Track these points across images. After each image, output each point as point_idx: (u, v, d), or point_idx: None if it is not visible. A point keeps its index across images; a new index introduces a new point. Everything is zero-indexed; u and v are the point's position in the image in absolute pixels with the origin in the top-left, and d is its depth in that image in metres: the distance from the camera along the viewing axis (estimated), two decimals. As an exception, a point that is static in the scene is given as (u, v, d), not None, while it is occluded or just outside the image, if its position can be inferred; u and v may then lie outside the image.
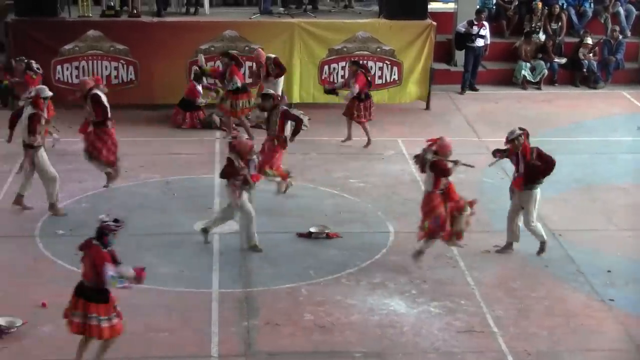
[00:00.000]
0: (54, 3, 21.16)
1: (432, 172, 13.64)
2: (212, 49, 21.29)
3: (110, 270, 10.58)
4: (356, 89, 18.91)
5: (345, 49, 21.66)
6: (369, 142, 19.35)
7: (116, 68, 21.26)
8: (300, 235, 14.99)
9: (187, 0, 22.42)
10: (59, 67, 21.10)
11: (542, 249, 14.50)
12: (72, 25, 21.34)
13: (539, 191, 14.18)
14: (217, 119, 20.28)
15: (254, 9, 22.69)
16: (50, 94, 15.56)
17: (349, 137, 19.40)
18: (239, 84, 19.30)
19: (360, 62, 20.15)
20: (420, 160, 13.88)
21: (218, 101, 19.81)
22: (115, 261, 10.79)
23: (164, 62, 21.11)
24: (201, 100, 20.42)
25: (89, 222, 14.87)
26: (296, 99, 21.67)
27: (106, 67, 21.32)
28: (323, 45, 21.63)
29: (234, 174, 14.21)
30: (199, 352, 11.64)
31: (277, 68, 19.87)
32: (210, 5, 22.56)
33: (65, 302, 12.50)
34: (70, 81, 21.11)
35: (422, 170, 13.98)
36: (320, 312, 12.61)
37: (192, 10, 22.29)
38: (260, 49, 20.44)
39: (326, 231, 15.02)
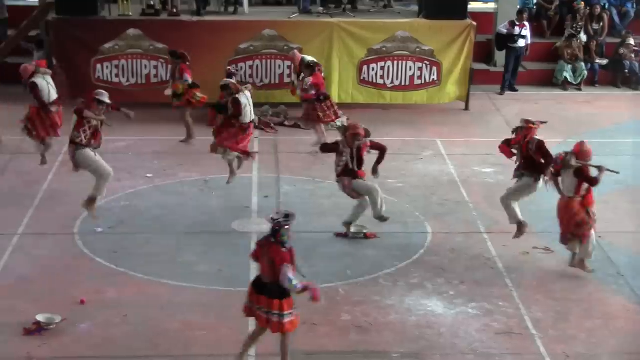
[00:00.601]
0: (94, 2, 21.30)
1: (577, 178, 13.44)
2: (251, 48, 21.35)
3: (289, 272, 10.57)
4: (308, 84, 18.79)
5: (384, 49, 21.62)
6: (319, 142, 19.00)
7: (155, 67, 21.35)
8: (338, 235, 14.97)
9: (227, -1, 22.53)
10: (98, 66, 21.21)
11: (519, 232, 14.50)
12: (112, 24, 21.46)
13: (539, 185, 14.19)
14: (255, 118, 20.23)
15: (294, 8, 22.73)
16: (107, 101, 15.26)
17: (318, 141, 19.10)
18: (190, 81, 19.27)
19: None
20: (562, 164, 13.64)
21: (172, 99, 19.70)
22: (293, 261, 10.76)
23: (203, 61, 21.12)
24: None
25: (128, 220, 15.06)
26: (335, 99, 21.58)
27: (145, 65, 21.42)
28: (362, 45, 21.60)
29: (334, 150, 14.51)
30: (236, 350, 11.55)
31: (306, 70, 19.98)
32: (250, 4, 22.62)
33: (104, 299, 12.70)
34: (110, 80, 21.24)
35: (557, 175, 13.77)
36: (358, 312, 12.58)
37: (231, 9, 22.36)
38: (296, 51, 20.49)
39: (364, 231, 14.99)
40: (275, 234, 10.71)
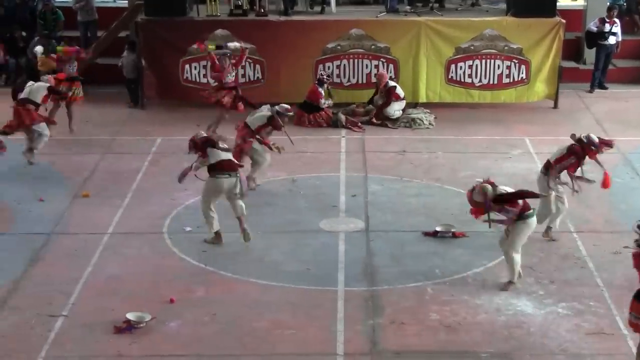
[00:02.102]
0: (183, 3, 21.49)
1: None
2: (339, 47, 21.36)
3: None
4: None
5: (472, 47, 21.46)
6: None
7: (243, 67, 21.44)
8: (427, 234, 14.89)
9: (314, -2, 22.58)
10: (187, 67, 21.39)
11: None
12: (200, 25, 21.61)
13: None
14: (343, 117, 20.34)
15: (381, 7, 22.66)
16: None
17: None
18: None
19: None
20: None
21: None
22: None
23: (290, 60, 21.24)
24: (324, 102, 20.48)
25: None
26: (422, 98, 21.56)
27: (233, 66, 21.53)
28: (450, 44, 21.46)
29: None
30: (324, 350, 11.62)
31: (386, 97, 20.21)
32: (337, 3, 22.61)
33: (192, 297, 12.81)
34: (197, 80, 21.41)
35: None
36: (446, 312, 12.49)
37: (318, 8, 22.38)
38: (383, 72, 20.83)
39: (452, 230, 14.89)
40: None
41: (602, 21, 22.50)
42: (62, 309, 12.46)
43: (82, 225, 15.26)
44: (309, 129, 20.15)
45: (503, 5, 22.83)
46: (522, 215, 12.96)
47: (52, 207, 15.95)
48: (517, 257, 13.13)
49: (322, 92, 20.51)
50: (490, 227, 13.11)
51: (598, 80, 23.01)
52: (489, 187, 12.84)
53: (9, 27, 23.81)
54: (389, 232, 15.01)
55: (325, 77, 20.71)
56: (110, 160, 18.31)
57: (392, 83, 20.68)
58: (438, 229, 14.91)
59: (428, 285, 13.25)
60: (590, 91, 22.89)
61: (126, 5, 23.67)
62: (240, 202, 14.32)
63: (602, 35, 22.47)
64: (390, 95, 20.45)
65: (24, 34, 23.83)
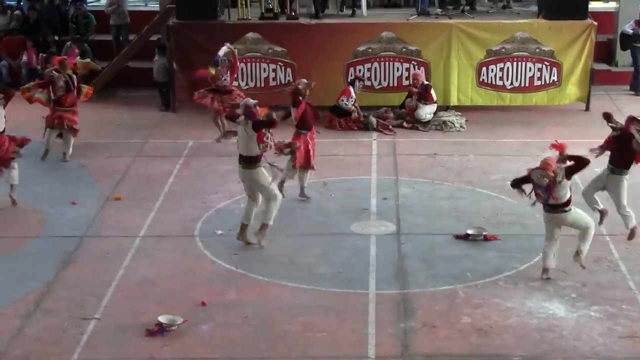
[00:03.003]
0: (214, 6, 21.56)
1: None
2: (370, 50, 21.35)
3: None
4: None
5: (503, 50, 21.39)
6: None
7: (274, 70, 21.50)
8: (458, 237, 14.85)
9: (345, 1, 22.53)
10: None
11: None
12: (231, 28, 21.66)
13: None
14: (374, 120, 20.32)
15: (411, 10, 22.65)
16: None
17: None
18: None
19: None
20: None
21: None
22: None
23: (321, 63, 21.24)
24: (345, 101, 20.43)
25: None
26: (454, 101, 21.52)
27: (264, 69, 21.58)
28: (481, 47, 21.41)
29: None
30: (356, 352, 11.61)
31: (426, 94, 20.40)
32: (368, 6, 22.60)
33: (224, 300, 12.82)
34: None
35: None
36: (478, 315, 12.45)
37: (349, 11, 22.39)
38: (418, 72, 20.84)
39: (484, 233, 14.84)
40: None
41: (638, 23, 22.41)
42: (94, 311, 12.52)
43: (114, 228, 15.33)
44: (340, 132, 20.16)
45: (534, 8, 22.76)
46: None
47: (85, 210, 16.03)
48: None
49: (353, 93, 20.46)
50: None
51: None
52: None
53: (42, 31, 23.95)
54: (420, 235, 14.99)
55: (360, 76, 20.75)
56: (142, 163, 18.39)
57: (427, 82, 20.70)
58: (469, 232, 14.86)
59: (459, 288, 13.21)
60: (638, 94, 22.76)
61: (158, 8, 23.76)
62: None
63: (638, 37, 22.36)
64: (427, 93, 20.39)
65: (56, 38, 23.98)
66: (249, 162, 14.29)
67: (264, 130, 14.25)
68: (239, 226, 14.65)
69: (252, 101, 14.44)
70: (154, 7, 24.92)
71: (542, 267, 13.47)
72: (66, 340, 11.82)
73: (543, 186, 13.04)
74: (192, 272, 13.79)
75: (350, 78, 20.84)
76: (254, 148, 14.22)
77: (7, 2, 25.58)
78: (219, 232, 15.08)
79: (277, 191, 14.67)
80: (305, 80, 16.63)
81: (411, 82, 20.86)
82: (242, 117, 14.35)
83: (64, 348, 11.64)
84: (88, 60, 20.50)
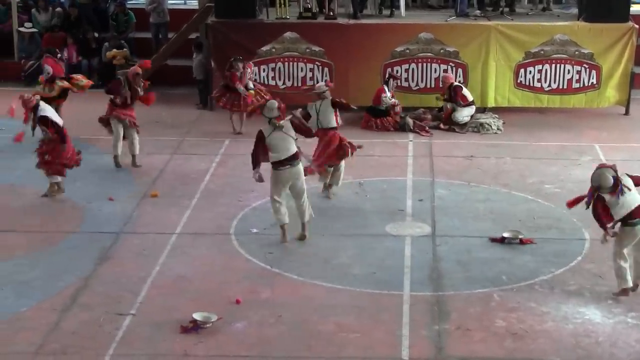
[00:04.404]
0: (253, 5, 21.61)
1: None
2: (407, 51, 21.33)
3: None
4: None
5: (542, 52, 21.30)
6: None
7: (311, 70, 21.51)
8: (493, 240, 14.79)
9: (383, 2, 22.51)
10: (255, 69, 21.42)
11: None
12: (269, 27, 21.72)
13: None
14: (410, 121, 20.30)
15: (450, 11, 22.59)
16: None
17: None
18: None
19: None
20: None
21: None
22: None
23: (358, 63, 21.24)
24: (385, 100, 20.41)
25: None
26: (491, 102, 21.45)
27: (302, 68, 21.61)
28: (519, 48, 21.33)
29: None
30: (389, 354, 11.60)
31: (455, 96, 20.28)
32: (407, 7, 22.55)
33: (258, 299, 12.84)
34: (266, 82, 21.48)
35: None
36: (513, 319, 12.39)
37: (387, 12, 22.37)
38: (448, 74, 20.83)
39: (520, 237, 14.77)
40: None
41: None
42: (130, 307, 12.59)
43: (150, 225, 15.41)
44: (376, 133, 20.15)
45: (575, 10, 22.62)
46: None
47: (122, 206, 16.12)
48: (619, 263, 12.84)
49: (388, 92, 20.44)
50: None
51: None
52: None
53: (82, 28, 24.11)
54: (455, 237, 14.95)
55: (395, 74, 20.76)
56: (179, 160, 18.47)
57: (456, 83, 20.64)
58: (505, 235, 14.80)
59: (494, 291, 13.16)
60: None
61: (197, 7, 23.84)
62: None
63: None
64: (456, 94, 20.35)
65: (96, 35, 24.13)
66: (294, 158, 14.40)
67: None
68: (273, 226, 14.71)
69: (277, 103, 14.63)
70: (193, 5, 25.01)
71: (619, 288, 12.98)
72: (102, 335, 11.89)
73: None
74: (227, 270, 13.83)
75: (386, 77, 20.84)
76: (293, 147, 14.33)
77: (50, -1, 25.79)
78: (254, 230, 15.11)
79: None
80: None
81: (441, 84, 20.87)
82: (279, 121, 14.39)
83: (99, 343, 11.71)
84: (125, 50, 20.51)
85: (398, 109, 20.48)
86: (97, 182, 17.18)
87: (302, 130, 14.68)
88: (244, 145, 18.94)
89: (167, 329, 12.04)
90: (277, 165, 14.41)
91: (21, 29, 24.05)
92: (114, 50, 23.36)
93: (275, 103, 14.58)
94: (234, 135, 19.92)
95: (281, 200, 14.59)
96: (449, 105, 20.51)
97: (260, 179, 14.57)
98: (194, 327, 11.99)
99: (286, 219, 14.64)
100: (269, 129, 14.38)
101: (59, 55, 19.90)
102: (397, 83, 20.77)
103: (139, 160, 18.06)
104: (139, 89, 17.98)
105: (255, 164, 14.51)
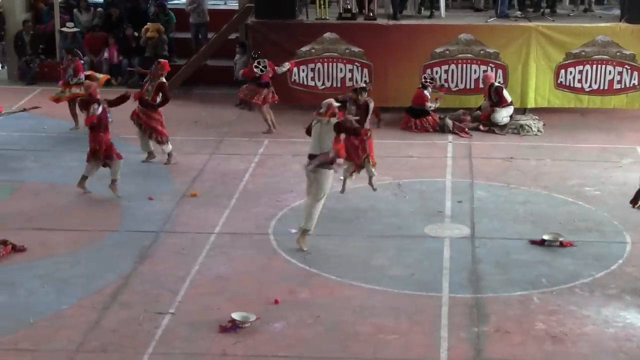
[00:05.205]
0: (293, 5, 21.60)
1: None
2: (447, 52, 21.25)
3: None
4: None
5: (583, 53, 21.16)
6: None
7: (351, 70, 21.49)
8: (533, 242, 14.71)
9: (423, 3, 22.46)
10: (295, 69, 21.45)
11: None
12: (309, 28, 21.71)
13: None
14: (450, 122, 20.23)
15: (491, 12, 22.49)
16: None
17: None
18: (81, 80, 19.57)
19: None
20: None
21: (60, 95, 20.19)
22: None
23: (398, 64, 21.20)
24: (430, 105, 20.40)
25: (321, 222, 15.13)
26: (531, 103, 21.34)
27: (341, 69, 21.59)
28: (560, 49, 21.19)
29: None
30: (427, 356, 11.56)
31: (496, 96, 20.12)
32: (447, 8, 22.48)
33: (296, 299, 12.84)
34: (305, 83, 21.52)
35: None
36: (553, 322, 12.32)
37: (427, 12, 22.30)
38: (488, 73, 20.75)
39: (560, 239, 14.67)
40: None
41: None
42: (169, 306, 12.65)
43: (189, 224, 15.47)
44: (415, 134, 20.11)
45: (617, 11, 22.44)
46: None
47: (161, 206, 16.20)
48: None
49: (428, 95, 20.42)
50: None
51: None
52: None
53: (123, 28, 24.24)
54: (494, 239, 14.89)
55: (428, 80, 20.63)
56: (218, 160, 18.51)
57: (497, 83, 20.55)
58: (545, 237, 14.71)
59: (534, 294, 13.08)
60: None
61: (237, 7, 23.89)
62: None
63: None
64: (499, 95, 20.27)
65: (136, 34, 24.24)
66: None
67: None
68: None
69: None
70: (233, 5, 25.05)
71: None
72: (141, 334, 11.94)
73: None
74: (266, 270, 13.85)
75: (421, 81, 20.71)
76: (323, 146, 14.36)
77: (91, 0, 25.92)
78: (293, 230, 15.10)
79: None
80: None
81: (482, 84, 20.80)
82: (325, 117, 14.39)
83: (139, 341, 11.77)
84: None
85: (433, 105, 20.46)
86: (137, 182, 17.25)
87: (350, 130, 14.59)
88: (282, 145, 19.04)
89: (206, 329, 12.08)
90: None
91: (63, 29, 24.18)
92: (148, 23, 23.58)
93: (330, 101, 14.57)
94: (271, 134, 19.97)
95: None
96: (487, 107, 20.39)
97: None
98: (233, 327, 12.02)
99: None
100: (315, 120, 14.46)
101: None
102: (435, 84, 20.70)
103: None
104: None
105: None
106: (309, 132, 14.57)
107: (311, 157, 14.38)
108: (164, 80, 18.02)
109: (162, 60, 18.71)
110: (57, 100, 20.17)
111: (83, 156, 16.70)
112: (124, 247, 14.57)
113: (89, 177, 16.65)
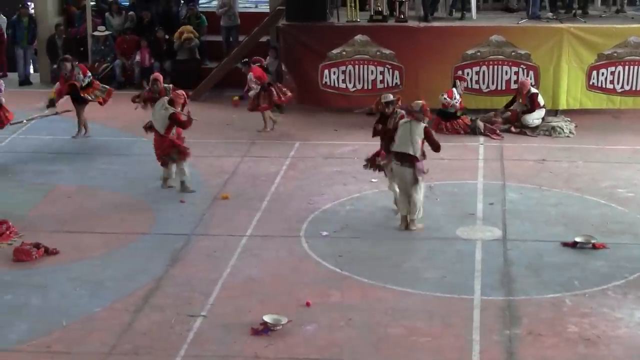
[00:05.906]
0: (323, 8, 21.61)
1: None
2: (478, 54, 21.20)
3: None
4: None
5: (615, 54, 21.05)
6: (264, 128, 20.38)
7: (382, 72, 21.47)
8: (565, 244, 14.64)
9: (454, 5, 22.42)
10: (326, 72, 21.47)
11: None
12: (340, 30, 21.71)
13: None
14: (481, 124, 20.17)
15: (522, 14, 22.41)
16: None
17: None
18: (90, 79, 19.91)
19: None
20: None
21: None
22: None
23: (429, 66, 21.16)
24: (449, 100, 20.28)
25: (353, 225, 15.21)
26: (563, 105, 21.24)
27: (372, 71, 21.57)
28: (592, 51, 21.09)
29: None
30: (460, 358, 11.54)
31: (530, 103, 20.12)
32: (478, 9, 22.43)
33: (328, 302, 12.85)
34: (336, 85, 21.52)
35: None
36: (585, 324, 12.26)
37: (458, 14, 22.25)
38: (526, 80, 20.65)
39: (592, 241, 14.60)
40: None
41: None
42: (201, 309, 12.68)
43: (221, 227, 15.50)
44: (447, 136, 19.99)
45: (650, 12, 22.36)
46: None
47: (193, 208, 16.25)
48: None
49: (456, 94, 20.32)
50: None
51: None
52: None
53: (154, 30, 24.34)
54: (526, 241, 14.84)
55: (458, 77, 20.65)
56: (250, 163, 18.54)
57: (534, 90, 20.46)
58: (578, 239, 14.64)
59: (566, 296, 13.03)
60: None
61: (268, 10, 23.94)
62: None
63: None
64: (533, 102, 20.20)
65: (167, 37, 24.33)
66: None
67: None
68: (343, 229, 14.79)
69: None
70: (264, 8, 25.11)
71: None
72: (173, 336, 11.99)
73: None
74: (297, 272, 13.87)
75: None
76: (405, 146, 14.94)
77: (122, 3, 26.05)
78: (324, 233, 15.13)
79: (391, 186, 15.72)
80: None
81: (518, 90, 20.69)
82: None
83: (171, 344, 11.81)
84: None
85: (460, 105, 20.41)
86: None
87: (435, 142, 15.36)
88: (313, 148, 19.05)
89: (238, 331, 12.10)
90: None
91: (95, 32, 24.33)
92: (182, 26, 23.72)
93: (423, 102, 15.30)
94: (267, 133, 20.24)
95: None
96: (519, 109, 20.31)
97: None
98: (264, 330, 12.05)
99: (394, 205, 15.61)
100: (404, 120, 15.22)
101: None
102: (464, 84, 20.67)
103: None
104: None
105: None
106: (379, 132, 15.25)
107: (400, 155, 14.92)
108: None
109: (180, 91, 17.42)
110: (104, 101, 20.18)
111: (115, 159, 16.78)
112: (155, 249, 14.63)
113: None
